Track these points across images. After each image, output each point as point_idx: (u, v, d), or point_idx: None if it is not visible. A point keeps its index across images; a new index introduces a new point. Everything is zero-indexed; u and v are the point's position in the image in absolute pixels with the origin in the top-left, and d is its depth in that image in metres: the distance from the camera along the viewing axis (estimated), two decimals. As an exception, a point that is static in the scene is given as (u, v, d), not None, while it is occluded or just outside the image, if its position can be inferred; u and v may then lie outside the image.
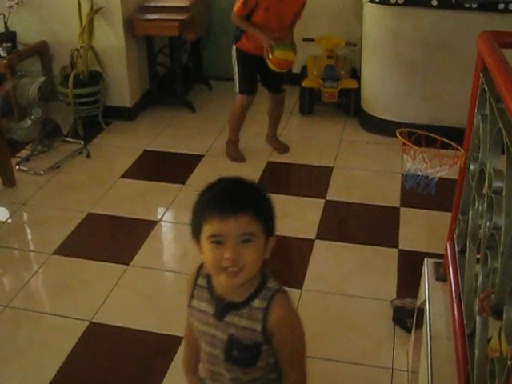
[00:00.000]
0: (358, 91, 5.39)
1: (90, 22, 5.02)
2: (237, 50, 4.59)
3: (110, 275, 3.52)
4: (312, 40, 5.60)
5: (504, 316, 1.45)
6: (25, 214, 4.16)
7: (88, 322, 3.16)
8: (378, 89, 5.16)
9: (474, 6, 4.52)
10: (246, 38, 4.50)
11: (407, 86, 4.99)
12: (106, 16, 5.08)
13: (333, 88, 5.37)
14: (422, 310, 2.54)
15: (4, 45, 4.81)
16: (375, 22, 4.99)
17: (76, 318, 3.19)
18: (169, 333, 3.09)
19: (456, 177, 2.42)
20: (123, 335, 3.10)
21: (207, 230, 1.62)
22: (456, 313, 2.01)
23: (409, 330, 3.02)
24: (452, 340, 1.99)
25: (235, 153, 4.88)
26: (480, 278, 1.75)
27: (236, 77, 4.67)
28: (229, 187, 1.74)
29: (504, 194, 1.60)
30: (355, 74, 5.60)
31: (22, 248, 3.86)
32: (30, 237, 4.02)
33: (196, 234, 1.68)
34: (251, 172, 4.60)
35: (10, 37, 4.96)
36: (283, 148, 5.01)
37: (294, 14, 4.47)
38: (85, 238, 3.88)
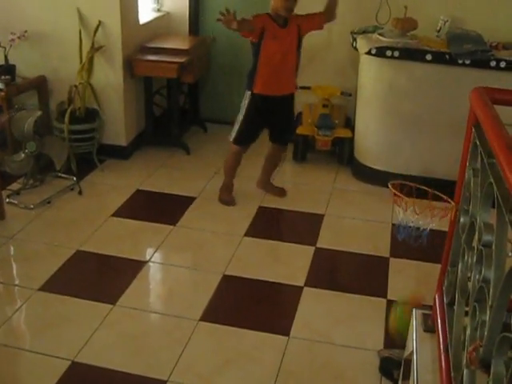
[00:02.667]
0: (351, 140, 5.44)
1: (90, 59, 5.07)
2: (252, 95, 4.53)
3: (95, 314, 3.48)
4: (308, 88, 5.66)
5: (492, 369, 1.45)
6: (12, 248, 4.14)
7: (70, 362, 3.11)
8: (372, 139, 5.20)
9: (467, 62, 4.61)
10: (260, 79, 4.51)
11: (400, 138, 5.04)
12: (107, 54, 5.14)
13: (327, 136, 5.41)
14: (408, 362, 2.53)
15: (3, 77, 4.84)
16: (371, 73, 5.06)
17: (58, 357, 3.14)
18: (152, 376, 3.05)
19: (446, 229, 2.43)
20: (106, 376, 3.06)
21: None
22: (443, 365, 2.00)
23: (395, 382, 3.00)
24: (438, 393, 1.98)
25: (227, 197, 4.86)
26: (468, 331, 1.75)
27: (237, 125, 4.62)
28: None
29: (494, 247, 1.61)
30: (349, 124, 5.65)
31: (6, 282, 3.83)
32: (15, 271, 4.00)
33: None
34: (242, 216, 4.61)
35: (9, 69, 5.00)
36: (279, 191, 5.01)
37: (298, 47, 4.58)
38: (72, 276, 3.86)
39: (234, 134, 4.64)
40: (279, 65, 4.45)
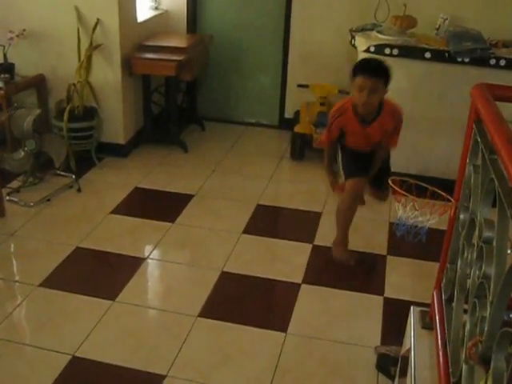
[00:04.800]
0: (349, 139, 5.43)
1: (89, 58, 5.06)
2: (340, 146, 4.18)
3: (95, 310, 3.48)
4: (306, 86, 5.66)
5: (492, 364, 1.45)
6: (12, 245, 4.13)
7: (70, 356, 3.11)
8: (369, 137, 5.19)
9: (466, 60, 4.60)
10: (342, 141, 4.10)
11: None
12: (105, 53, 5.13)
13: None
14: (406, 358, 2.53)
15: (2, 76, 4.83)
16: (369, 71, 5.05)
17: (58, 352, 3.14)
18: (151, 370, 3.05)
19: (444, 227, 2.43)
20: (106, 371, 3.05)
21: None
22: (441, 361, 2.00)
23: (392, 378, 3.00)
24: (437, 388, 1.98)
25: (344, 253, 4.16)
26: (468, 327, 1.75)
27: (340, 167, 4.32)
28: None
29: (495, 243, 1.61)
30: (347, 122, 5.64)
31: (7, 278, 3.82)
32: (16, 268, 3.99)
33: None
34: (240, 214, 4.61)
35: (8, 68, 4.99)
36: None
37: (384, 135, 3.92)
38: (71, 272, 3.86)
39: (342, 174, 4.22)
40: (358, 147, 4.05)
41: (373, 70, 3.66)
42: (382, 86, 3.67)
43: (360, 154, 4.07)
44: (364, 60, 3.92)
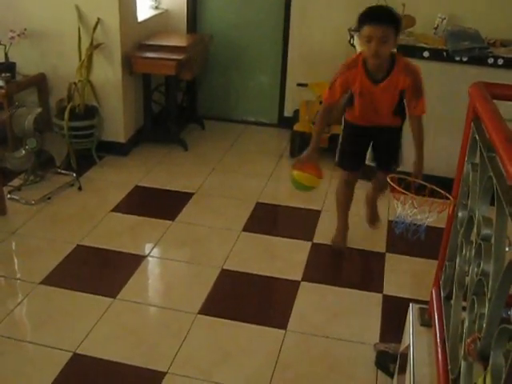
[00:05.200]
0: (348, 137, 5.43)
1: (89, 57, 5.06)
2: (344, 121, 3.95)
3: (96, 307, 3.48)
4: (305, 85, 5.66)
5: (490, 361, 1.45)
6: (13, 243, 4.13)
7: (71, 353, 3.11)
8: (368, 136, 5.19)
9: (465, 59, 4.60)
10: (348, 111, 3.85)
11: (397, 135, 5.03)
12: (105, 52, 5.12)
13: (324, 133, 5.40)
14: (405, 355, 2.53)
15: (3, 75, 4.83)
16: (368, 70, 5.05)
17: (60, 349, 3.14)
18: (152, 367, 3.05)
19: (443, 225, 2.43)
20: (106, 368, 3.05)
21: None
22: (440, 358, 2.00)
23: (391, 375, 3.00)
24: (436, 385, 1.98)
25: (337, 238, 4.23)
26: (466, 324, 1.75)
27: (338, 148, 4.07)
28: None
29: (493, 240, 1.61)
30: (346, 121, 5.63)
31: (8, 276, 3.82)
32: (17, 265, 3.99)
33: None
34: (240, 212, 4.61)
35: (9, 67, 4.98)
36: (376, 220, 4.41)
37: (396, 98, 3.62)
38: (72, 270, 3.85)
39: (336, 157, 4.10)
40: (367, 119, 3.78)
41: (381, 17, 3.34)
42: (392, 35, 3.33)
43: (363, 134, 3.85)
44: (370, 7, 3.44)
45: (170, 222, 4.45)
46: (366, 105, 3.64)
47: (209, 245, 4.21)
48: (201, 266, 3.97)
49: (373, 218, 4.39)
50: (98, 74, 5.20)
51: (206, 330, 3.35)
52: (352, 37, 5.05)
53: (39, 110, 4.67)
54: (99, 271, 3.93)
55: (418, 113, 3.61)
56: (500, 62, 4.58)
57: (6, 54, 4.99)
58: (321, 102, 5.42)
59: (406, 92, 3.54)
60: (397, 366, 2.78)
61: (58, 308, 3.48)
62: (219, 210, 4.67)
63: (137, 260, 3.97)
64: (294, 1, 5.85)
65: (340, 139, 4.03)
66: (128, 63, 5.27)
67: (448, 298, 2.21)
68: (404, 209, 2.59)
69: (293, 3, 5.86)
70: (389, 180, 2.55)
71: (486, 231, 1.71)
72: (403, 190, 2.51)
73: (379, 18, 3.33)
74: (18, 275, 3.85)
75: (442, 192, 2.39)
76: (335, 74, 3.62)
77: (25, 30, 5.01)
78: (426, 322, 2.46)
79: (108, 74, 5.21)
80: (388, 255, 4.16)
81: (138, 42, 5.46)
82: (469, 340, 1.68)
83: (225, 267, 3.92)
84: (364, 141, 3.93)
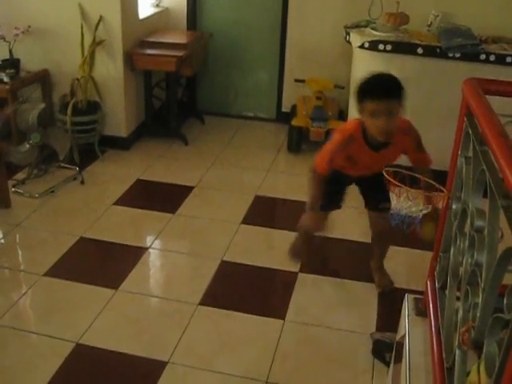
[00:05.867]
0: (344, 132, 5.42)
1: (92, 53, 5.04)
2: None
3: (99, 299, 3.48)
4: (303, 81, 5.65)
5: (484, 349, 1.44)
6: (18, 235, 4.12)
7: (74, 344, 3.11)
8: (364, 130, 5.18)
9: (457, 55, 4.59)
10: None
11: (392, 129, 5.03)
12: (107, 49, 5.11)
13: (320, 128, 5.41)
14: (401, 344, 2.53)
15: (8, 71, 4.83)
16: (364, 66, 5.03)
17: (63, 339, 3.14)
18: (153, 357, 3.05)
19: (437, 217, 2.43)
20: (109, 357, 3.05)
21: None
22: (435, 347, 2.00)
23: (387, 364, 3.00)
24: (431, 374, 1.97)
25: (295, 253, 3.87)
26: (460, 313, 1.74)
27: None
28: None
29: (486, 232, 1.61)
30: (342, 116, 5.63)
31: (13, 268, 3.81)
32: (21, 257, 3.98)
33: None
34: (239, 205, 4.60)
35: (13, 63, 4.98)
36: (384, 285, 3.70)
37: (392, 162, 3.12)
38: (75, 262, 3.85)
39: None
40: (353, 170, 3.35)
41: (390, 91, 2.91)
42: (399, 106, 2.94)
43: (349, 179, 3.46)
44: (371, 79, 2.96)
45: (171, 214, 4.44)
46: (360, 166, 3.27)
47: (209, 237, 4.20)
48: (201, 257, 3.96)
49: (383, 283, 3.71)
50: (100, 70, 5.18)
51: (207, 321, 3.35)
52: (348, 34, 5.03)
53: (43, 105, 4.66)
54: (102, 263, 3.93)
55: (428, 165, 3.26)
56: (492, 58, 4.57)
57: (10, 51, 4.98)
58: (317, 98, 5.44)
59: (408, 151, 3.23)
60: (393, 355, 2.77)
61: (62, 299, 3.47)
62: (219, 203, 4.66)
63: (138, 252, 3.97)
64: (292, -1, 5.85)
65: None
66: (129, 60, 5.26)
67: (442, 288, 2.21)
68: (399, 201, 2.58)
69: (290, 1, 5.84)
70: (384, 173, 2.55)
71: (479, 223, 1.70)
72: (398, 183, 2.50)
73: (387, 93, 2.89)
74: (22, 267, 3.84)
75: (436, 185, 2.39)
76: (335, 146, 3.13)
77: (29, 27, 5.00)
78: (421, 311, 2.46)
79: (110, 70, 5.20)
80: (384, 247, 4.15)
81: (140, 38, 5.44)
82: (463, 329, 1.68)
83: (224, 259, 3.92)
84: (349, 182, 3.53)
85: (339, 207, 3.57)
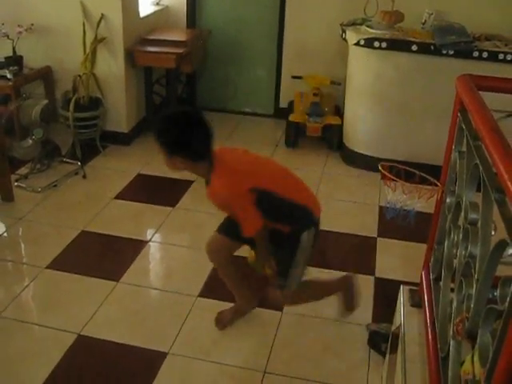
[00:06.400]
0: (340, 127, 5.42)
1: (93, 50, 5.02)
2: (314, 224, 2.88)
3: (100, 291, 3.47)
4: (300, 78, 5.63)
5: (478, 340, 1.44)
6: (20, 229, 4.11)
7: (76, 335, 3.10)
8: (360, 126, 5.18)
9: (451, 52, 4.58)
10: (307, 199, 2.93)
11: (387, 124, 5.03)
12: (109, 46, 5.09)
13: (317, 123, 5.40)
14: (396, 335, 2.53)
15: (11, 68, 4.81)
16: (359, 63, 5.03)
17: (65, 331, 3.13)
18: (153, 348, 3.05)
19: (431, 211, 2.42)
20: (110, 348, 3.05)
21: None
22: (430, 337, 2.00)
23: (383, 354, 2.99)
24: (426, 363, 1.97)
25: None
26: (455, 304, 1.74)
27: (294, 271, 2.84)
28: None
29: (480, 224, 1.60)
30: (339, 111, 5.62)
31: (15, 261, 3.81)
32: (24, 250, 3.97)
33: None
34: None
35: (17, 60, 4.96)
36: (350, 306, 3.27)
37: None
38: (77, 255, 3.84)
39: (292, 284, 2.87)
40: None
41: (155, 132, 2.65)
42: (166, 154, 2.64)
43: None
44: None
45: (171, 208, 4.43)
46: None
47: (208, 230, 4.14)
48: (200, 250, 3.92)
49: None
50: (101, 67, 5.16)
51: (206, 312, 3.34)
52: (344, 31, 5.02)
53: (45, 101, 4.64)
54: (103, 256, 3.91)
55: (245, 231, 2.68)
56: (485, 55, 4.56)
57: (13, 48, 4.96)
58: (314, 94, 5.43)
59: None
60: (389, 346, 2.77)
61: (64, 291, 3.46)
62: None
63: (139, 245, 3.96)
64: (289, -3, 5.83)
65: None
66: (130, 57, 5.24)
67: (437, 279, 2.21)
68: (394, 195, 2.58)
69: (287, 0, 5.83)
70: (380, 168, 2.54)
71: (472, 216, 1.70)
72: (393, 177, 2.50)
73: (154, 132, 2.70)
74: (25, 260, 3.83)
75: (431, 179, 2.39)
76: (240, 201, 2.62)
77: (32, 25, 4.98)
78: (416, 302, 2.46)
79: (111, 67, 5.18)
80: (379, 239, 4.15)
81: (140, 36, 5.42)
82: (457, 320, 1.68)
83: (223, 252, 3.90)
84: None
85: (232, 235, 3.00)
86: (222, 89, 6.49)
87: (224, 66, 6.39)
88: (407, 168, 2.65)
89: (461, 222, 1.89)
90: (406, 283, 2.71)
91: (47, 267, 3.66)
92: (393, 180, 2.52)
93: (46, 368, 2.88)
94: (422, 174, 2.52)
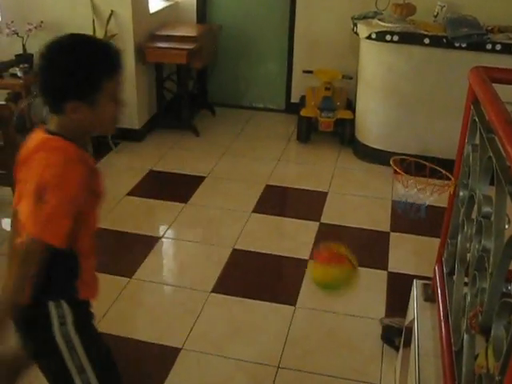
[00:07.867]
0: (352, 122, 5.41)
1: (104, 47, 5.03)
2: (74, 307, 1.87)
3: (113, 287, 3.49)
4: (311, 72, 5.63)
5: (492, 333, 1.44)
6: (34, 226, 4.13)
7: (91, 331, 3.13)
8: (372, 120, 5.17)
9: (464, 45, 4.56)
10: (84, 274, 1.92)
11: (399, 118, 5.01)
12: (119, 42, 5.08)
13: (329, 118, 5.39)
14: (410, 329, 2.53)
15: (21, 66, 4.82)
16: (371, 57, 5.02)
17: (79, 326, 3.15)
18: (168, 344, 3.06)
19: (443, 204, 2.42)
20: (124, 344, 3.06)
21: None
22: (444, 331, 2.00)
23: (396, 348, 2.99)
24: (439, 358, 1.97)
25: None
26: (468, 298, 1.74)
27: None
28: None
29: (493, 218, 1.60)
30: (350, 106, 5.61)
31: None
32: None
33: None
34: (250, 194, 4.59)
35: (27, 58, 4.97)
36: None
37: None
38: (90, 251, 3.86)
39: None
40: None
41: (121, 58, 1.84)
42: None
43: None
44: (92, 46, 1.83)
45: (183, 204, 4.45)
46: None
47: (220, 226, 4.20)
48: (213, 246, 3.97)
49: None
50: (112, 64, 5.17)
51: (219, 308, 3.35)
52: (355, 25, 5.00)
53: (56, 99, 4.66)
54: (116, 252, 3.93)
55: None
56: (498, 47, 4.54)
57: (23, 46, 4.98)
58: (326, 88, 5.42)
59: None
60: (402, 340, 2.77)
61: (78, 288, 3.48)
62: (230, 192, 4.66)
63: (152, 241, 3.97)
64: (300, -9, 5.82)
65: None
66: (141, 53, 5.25)
67: (450, 273, 2.20)
68: (406, 189, 2.58)
69: (298, -7, 5.84)
70: (392, 163, 2.54)
71: (486, 209, 1.69)
72: (404, 173, 2.50)
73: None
74: (39, 257, 3.85)
75: (443, 171, 2.38)
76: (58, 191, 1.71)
77: (41, 22, 4.99)
78: (429, 297, 2.46)
79: (122, 63, 5.19)
80: (392, 234, 4.15)
81: (150, 32, 5.43)
82: (471, 314, 1.68)
83: (236, 247, 3.92)
84: None
85: None
86: (234, 84, 6.49)
87: (235, 61, 6.39)
88: (418, 160, 2.65)
89: (474, 215, 1.89)
90: (419, 277, 2.70)
91: (61, 264, 3.68)
92: (404, 175, 2.51)
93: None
94: (433, 167, 2.52)
